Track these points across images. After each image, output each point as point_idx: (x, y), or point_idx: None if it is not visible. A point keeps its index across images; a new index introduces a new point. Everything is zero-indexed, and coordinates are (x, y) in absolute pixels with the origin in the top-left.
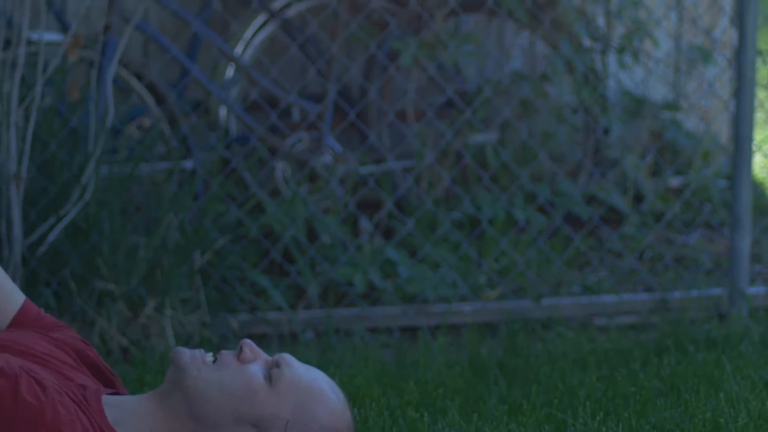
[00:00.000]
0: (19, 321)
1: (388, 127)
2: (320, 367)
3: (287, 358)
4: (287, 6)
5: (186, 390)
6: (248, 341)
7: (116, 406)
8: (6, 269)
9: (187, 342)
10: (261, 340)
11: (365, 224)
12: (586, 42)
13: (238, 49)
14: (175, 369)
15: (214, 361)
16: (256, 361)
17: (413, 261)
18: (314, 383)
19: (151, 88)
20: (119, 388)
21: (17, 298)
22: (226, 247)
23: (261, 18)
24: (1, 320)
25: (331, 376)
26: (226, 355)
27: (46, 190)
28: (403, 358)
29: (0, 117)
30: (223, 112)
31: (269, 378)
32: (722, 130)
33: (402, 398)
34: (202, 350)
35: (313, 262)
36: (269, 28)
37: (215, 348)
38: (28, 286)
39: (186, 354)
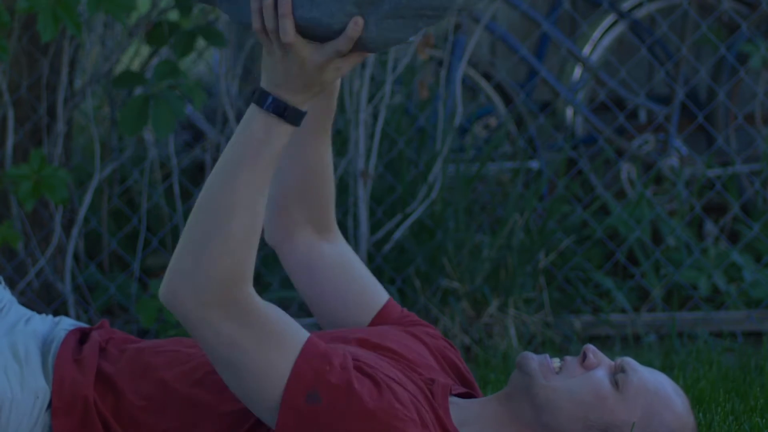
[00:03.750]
0: (382, 317)
1: (736, 130)
2: (663, 370)
3: (631, 362)
4: (637, 7)
5: (534, 398)
6: (591, 347)
7: (462, 407)
8: None
9: (529, 342)
10: (604, 342)
11: (710, 227)
12: None
13: (586, 50)
14: (522, 375)
15: (560, 367)
16: (600, 366)
17: (759, 265)
18: (661, 387)
19: (499, 88)
20: (475, 391)
21: (381, 295)
22: (570, 248)
23: (609, 19)
24: (364, 316)
25: (674, 379)
26: (570, 361)
27: (392, 187)
28: (747, 363)
29: (349, 114)
30: (570, 112)
31: (616, 383)
32: None
33: (747, 404)
34: (548, 356)
35: (658, 264)
36: (618, 29)
37: (558, 349)
38: None
39: (534, 360)
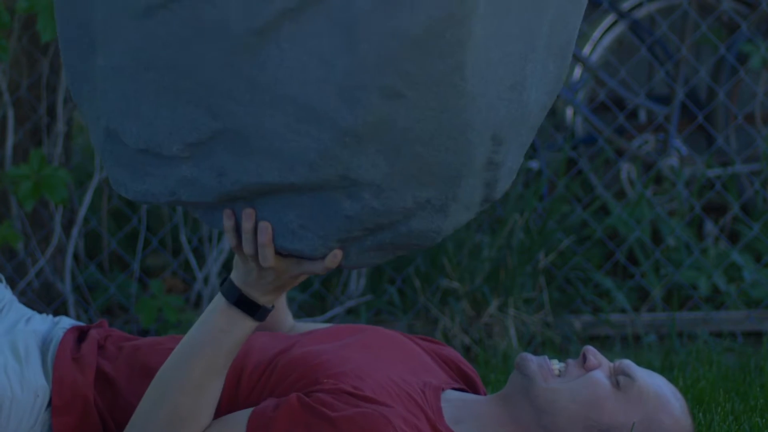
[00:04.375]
0: None
1: (736, 130)
2: (663, 370)
3: (631, 365)
4: (637, 7)
5: (534, 400)
6: (591, 348)
7: (458, 405)
8: None
9: (529, 342)
10: (603, 342)
11: (710, 227)
12: None
13: (586, 50)
14: (521, 377)
15: (560, 370)
16: (600, 367)
17: (759, 265)
18: (659, 390)
19: None
20: (476, 387)
21: None
22: (570, 248)
23: (609, 19)
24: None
25: (674, 379)
26: (571, 363)
27: None
28: (747, 363)
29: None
30: (570, 112)
31: (616, 385)
32: None
33: (747, 404)
34: (547, 357)
35: (658, 264)
36: (618, 29)
37: (558, 349)
38: (373, 283)
39: (533, 362)
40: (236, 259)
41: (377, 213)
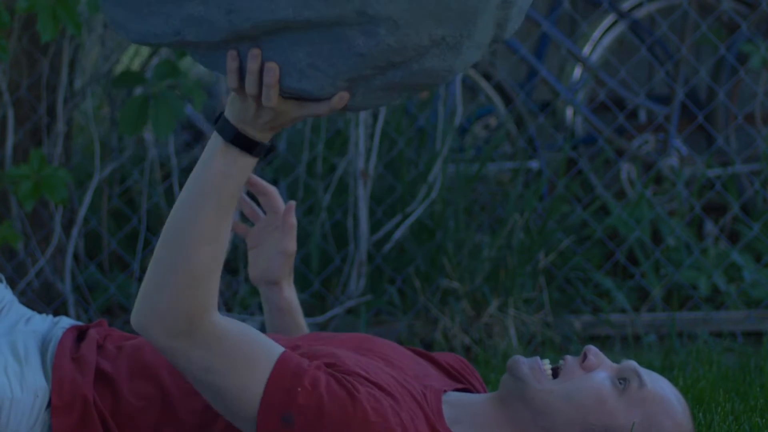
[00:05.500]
0: None
1: (736, 130)
2: (663, 370)
3: (636, 366)
4: (637, 7)
5: (530, 402)
6: (592, 348)
7: (457, 405)
8: (351, 265)
9: (529, 342)
10: (603, 342)
11: (710, 227)
12: None
13: (586, 50)
14: (514, 380)
15: (553, 368)
16: (600, 367)
17: (759, 265)
18: (662, 393)
19: (499, 88)
20: (476, 383)
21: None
22: (570, 248)
23: (609, 19)
24: None
25: (674, 379)
26: (570, 362)
27: (392, 187)
28: (747, 363)
29: (349, 114)
30: (569, 112)
31: (618, 386)
32: None
33: (747, 404)
34: (539, 358)
35: (658, 264)
36: (618, 29)
37: (558, 349)
38: (373, 282)
39: (524, 365)
40: (232, 96)
41: (391, 50)
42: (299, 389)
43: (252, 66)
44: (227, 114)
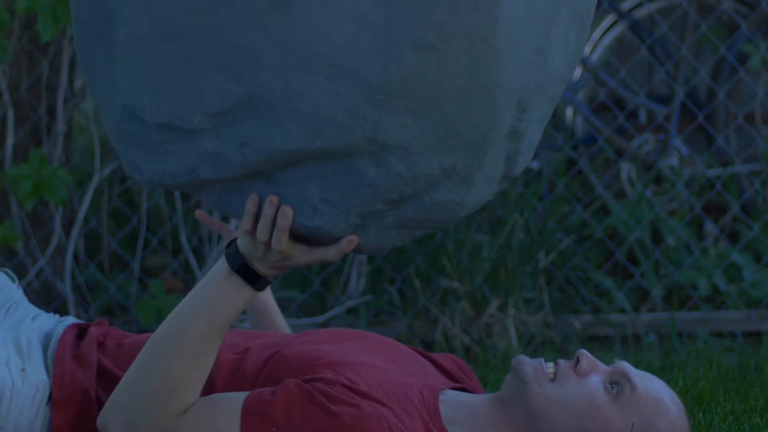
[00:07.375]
0: None
1: (736, 130)
2: (662, 370)
3: (628, 369)
4: (637, 7)
5: (529, 405)
6: (585, 352)
7: (454, 405)
8: (351, 265)
9: (529, 342)
10: (603, 342)
11: (710, 227)
12: None
13: (586, 50)
14: (517, 381)
15: (554, 373)
16: (593, 372)
17: (759, 265)
18: (657, 395)
19: None
20: (473, 384)
21: None
22: (570, 248)
23: (609, 19)
24: None
25: (674, 379)
26: (563, 366)
27: None
28: (747, 363)
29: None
30: (570, 112)
31: (611, 391)
32: None
33: (747, 404)
34: (543, 360)
35: (658, 264)
36: (618, 29)
37: (558, 349)
38: (373, 282)
39: (528, 366)
40: (241, 235)
41: (403, 180)
42: (274, 429)
43: (268, 212)
44: (239, 243)
